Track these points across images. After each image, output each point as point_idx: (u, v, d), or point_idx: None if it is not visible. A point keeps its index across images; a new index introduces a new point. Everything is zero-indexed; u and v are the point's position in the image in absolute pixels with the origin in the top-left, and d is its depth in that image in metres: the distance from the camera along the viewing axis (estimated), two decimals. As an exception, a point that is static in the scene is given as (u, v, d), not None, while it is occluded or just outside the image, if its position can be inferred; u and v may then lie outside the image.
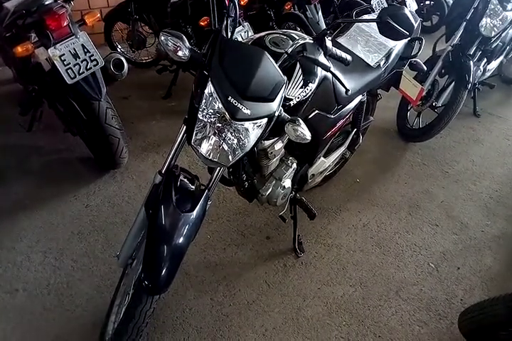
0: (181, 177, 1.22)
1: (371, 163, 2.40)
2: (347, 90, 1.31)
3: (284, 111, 1.14)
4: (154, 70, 2.99)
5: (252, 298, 1.56)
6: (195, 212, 1.15)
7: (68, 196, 2.05)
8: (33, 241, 1.78)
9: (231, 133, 1.07)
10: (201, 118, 1.08)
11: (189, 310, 1.51)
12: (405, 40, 1.79)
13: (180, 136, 1.21)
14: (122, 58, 1.97)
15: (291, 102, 1.23)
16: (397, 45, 1.76)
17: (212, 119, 1.08)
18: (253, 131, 1.08)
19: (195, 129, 1.09)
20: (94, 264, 1.68)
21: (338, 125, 1.65)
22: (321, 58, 1.21)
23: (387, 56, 1.72)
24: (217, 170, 1.23)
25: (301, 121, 1.12)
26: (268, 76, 1.07)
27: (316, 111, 1.43)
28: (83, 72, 1.78)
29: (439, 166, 2.42)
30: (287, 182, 1.57)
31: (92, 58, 1.81)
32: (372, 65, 1.67)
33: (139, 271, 1.22)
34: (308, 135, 1.11)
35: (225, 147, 1.08)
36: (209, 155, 1.09)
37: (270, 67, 1.08)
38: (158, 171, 1.20)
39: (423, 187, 2.23)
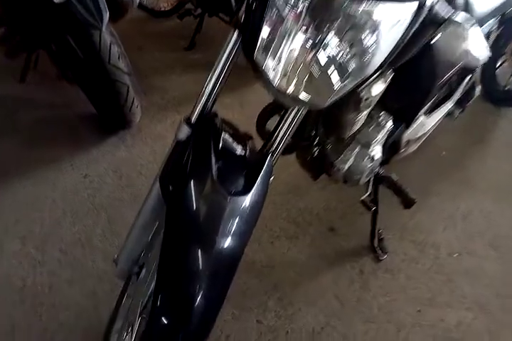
0: (223, 135, 0.68)
1: (457, 130, 1.78)
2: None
3: None
4: (175, 17, 2.42)
5: (319, 322, 1.05)
6: (251, 194, 0.63)
7: (63, 162, 1.56)
8: (10, 220, 1.31)
9: (339, 32, 0.52)
10: (278, 1, 0.52)
11: (225, 338, 1.02)
12: None
13: (226, 53, 0.65)
14: (133, -28, 1.39)
15: None
16: None
17: (300, 5, 0.52)
18: (387, 30, 0.53)
19: (264, 29, 0.54)
20: (89, 258, 1.19)
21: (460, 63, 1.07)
22: None
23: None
24: (292, 118, 0.68)
25: (469, 21, 0.56)
26: None
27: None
28: (74, -19, 1.22)
29: (546, 137, 1.81)
30: (377, 151, 1.03)
31: (88, -39, 1.24)
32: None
33: (150, 291, 0.72)
34: (484, 51, 0.56)
35: (324, 65, 0.54)
36: (290, 84, 0.55)
37: None
38: (184, 118, 0.67)
39: (532, 164, 1.64)
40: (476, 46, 0.58)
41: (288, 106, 0.63)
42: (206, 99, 0.68)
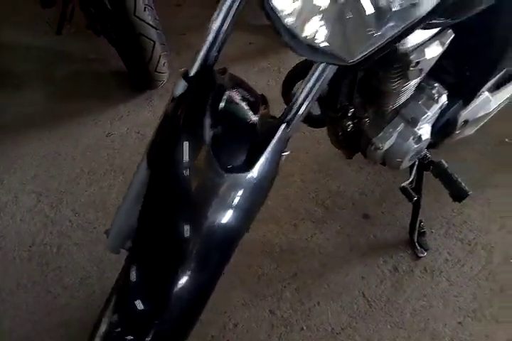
0: (232, 93, 0.54)
1: None
2: None
3: None
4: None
5: (339, 321, 0.93)
6: (254, 172, 0.50)
7: (88, 118, 1.50)
8: (28, 175, 1.28)
9: None
10: None
11: (233, 326, 0.92)
12: None
13: None
14: None
15: None
16: None
17: None
18: None
19: None
20: (101, 222, 1.14)
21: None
22: None
23: None
24: (315, 79, 0.53)
25: None
26: None
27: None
28: None
29: None
30: (425, 130, 0.86)
31: None
32: None
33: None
34: None
35: (357, 8, 0.41)
36: (304, 24, 0.42)
37: None
38: (182, 71, 0.55)
39: None
40: None
41: (301, 55, 0.47)
42: (208, 48, 0.54)
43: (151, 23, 1.35)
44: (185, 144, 0.46)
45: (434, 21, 0.57)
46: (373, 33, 0.40)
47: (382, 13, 0.39)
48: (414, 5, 0.40)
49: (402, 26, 0.42)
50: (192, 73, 0.55)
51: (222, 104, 0.51)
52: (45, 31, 1.98)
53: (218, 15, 0.55)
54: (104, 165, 1.32)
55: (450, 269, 1.02)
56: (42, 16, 2.03)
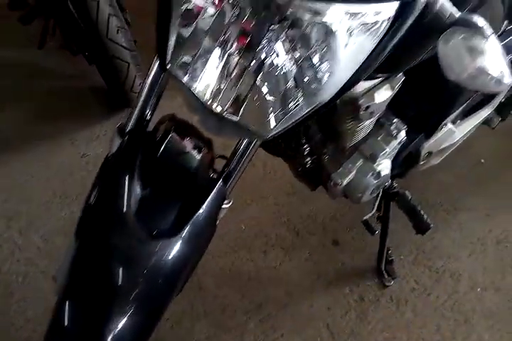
0: (174, 142, 0.54)
1: (500, 134, 1.51)
2: None
3: None
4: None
5: (301, 355, 0.93)
6: (187, 233, 0.50)
7: (64, 138, 1.49)
8: (0, 198, 1.27)
9: (287, 42, 0.39)
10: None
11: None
12: None
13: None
14: None
15: None
16: None
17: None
18: (351, 41, 0.39)
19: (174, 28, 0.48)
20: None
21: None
22: None
23: None
24: (246, 142, 0.53)
25: (487, 28, 0.38)
26: None
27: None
28: None
29: None
30: (385, 165, 0.85)
31: None
32: None
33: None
34: (508, 74, 0.38)
35: (258, 84, 0.41)
36: (219, 107, 0.44)
37: None
38: (118, 126, 0.54)
39: None
40: (498, 62, 0.38)
41: (215, 134, 0.48)
42: (144, 100, 0.53)
43: (124, 44, 1.35)
44: (112, 209, 0.46)
45: (376, 75, 0.57)
46: (281, 115, 0.40)
47: (283, 101, 0.40)
48: (315, 93, 0.40)
49: (310, 108, 0.42)
50: (128, 128, 0.54)
51: (159, 155, 0.51)
52: (27, 46, 1.98)
53: (154, 65, 0.54)
54: (77, 187, 1.31)
55: (416, 298, 1.03)
56: (24, 31, 2.03)
